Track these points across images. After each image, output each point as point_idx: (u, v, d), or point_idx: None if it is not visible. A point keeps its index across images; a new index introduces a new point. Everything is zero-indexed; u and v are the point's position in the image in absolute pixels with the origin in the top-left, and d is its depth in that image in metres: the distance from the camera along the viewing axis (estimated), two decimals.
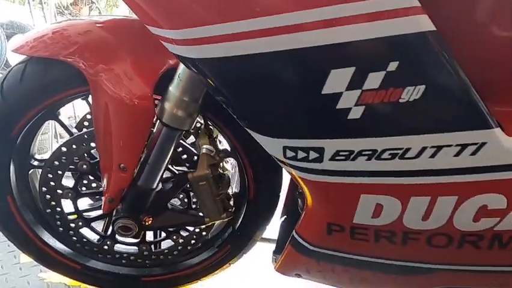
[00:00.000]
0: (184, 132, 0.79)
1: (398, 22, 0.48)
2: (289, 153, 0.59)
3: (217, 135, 0.99)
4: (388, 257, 0.69)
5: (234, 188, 1.07)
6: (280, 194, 1.01)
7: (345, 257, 0.73)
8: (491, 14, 0.56)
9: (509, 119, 0.54)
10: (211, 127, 0.95)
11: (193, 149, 0.91)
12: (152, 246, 1.04)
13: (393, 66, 0.50)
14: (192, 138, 1.02)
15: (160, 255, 1.05)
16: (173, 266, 1.11)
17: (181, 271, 1.11)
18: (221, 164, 0.94)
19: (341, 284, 0.83)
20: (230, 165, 1.10)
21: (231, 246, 1.06)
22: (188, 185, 0.91)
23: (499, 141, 0.53)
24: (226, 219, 0.95)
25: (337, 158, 0.57)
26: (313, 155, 0.58)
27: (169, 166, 0.92)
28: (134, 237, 0.89)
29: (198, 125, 0.94)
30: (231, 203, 0.97)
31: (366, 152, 0.55)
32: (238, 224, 1.04)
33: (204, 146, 0.90)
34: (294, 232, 0.79)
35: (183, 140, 0.93)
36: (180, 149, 0.90)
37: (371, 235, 0.65)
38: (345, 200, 0.62)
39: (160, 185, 0.86)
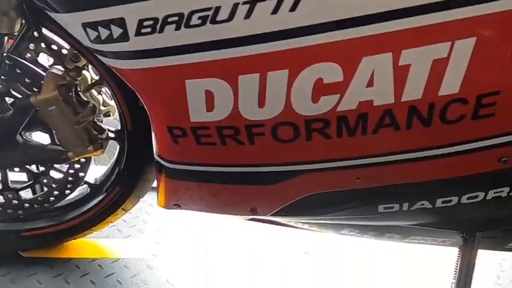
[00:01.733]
0: (5, 38, 0.65)
1: None
2: (92, 34, 0.47)
3: (85, 63, 0.85)
4: (244, 163, 0.60)
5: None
6: None
7: (203, 170, 0.63)
8: None
9: None
10: (76, 52, 0.81)
11: (39, 70, 0.77)
12: (22, 193, 0.90)
13: None
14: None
15: (34, 203, 0.91)
16: (58, 216, 0.98)
17: (68, 221, 0.97)
18: (79, 87, 0.80)
19: (215, 208, 0.74)
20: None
21: (120, 188, 0.94)
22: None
23: None
24: (96, 153, 0.83)
25: (143, 31, 0.46)
26: (116, 31, 0.46)
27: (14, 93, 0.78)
28: None
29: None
30: (104, 136, 0.86)
31: (172, 18, 0.44)
32: (123, 163, 0.93)
33: (54, 66, 0.76)
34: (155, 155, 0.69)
35: (29, 62, 0.78)
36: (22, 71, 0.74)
37: (215, 136, 0.55)
38: (171, 91, 0.51)
39: None
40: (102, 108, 1.00)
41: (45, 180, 0.87)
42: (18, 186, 0.90)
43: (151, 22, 0.44)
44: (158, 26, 0.45)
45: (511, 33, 0.46)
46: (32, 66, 0.76)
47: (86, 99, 0.81)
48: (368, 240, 1.11)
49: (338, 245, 1.13)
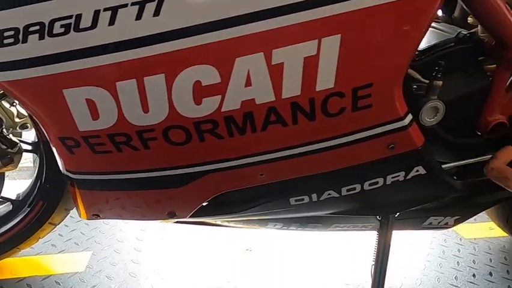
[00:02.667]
0: None
1: None
2: None
3: None
4: (145, 168, 0.59)
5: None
6: None
7: (108, 179, 0.63)
8: None
9: None
10: None
11: None
12: None
13: None
14: None
15: None
16: None
17: None
18: None
19: (134, 215, 0.74)
20: None
21: (44, 202, 0.91)
22: None
23: None
24: (6, 169, 0.79)
25: (5, 41, 0.44)
26: None
27: None
28: None
29: None
30: (15, 150, 0.82)
31: (34, 28, 0.43)
32: (44, 176, 0.90)
33: None
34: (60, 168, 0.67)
35: None
36: None
37: (109, 143, 0.55)
38: (51, 102, 0.50)
39: None
40: (17, 120, 0.96)
41: None
42: None
43: (12, 32, 0.43)
44: (20, 36, 0.43)
45: (373, 30, 0.49)
46: None
47: None
48: (309, 233, 1.15)
49: (279, 240, 1.16)
